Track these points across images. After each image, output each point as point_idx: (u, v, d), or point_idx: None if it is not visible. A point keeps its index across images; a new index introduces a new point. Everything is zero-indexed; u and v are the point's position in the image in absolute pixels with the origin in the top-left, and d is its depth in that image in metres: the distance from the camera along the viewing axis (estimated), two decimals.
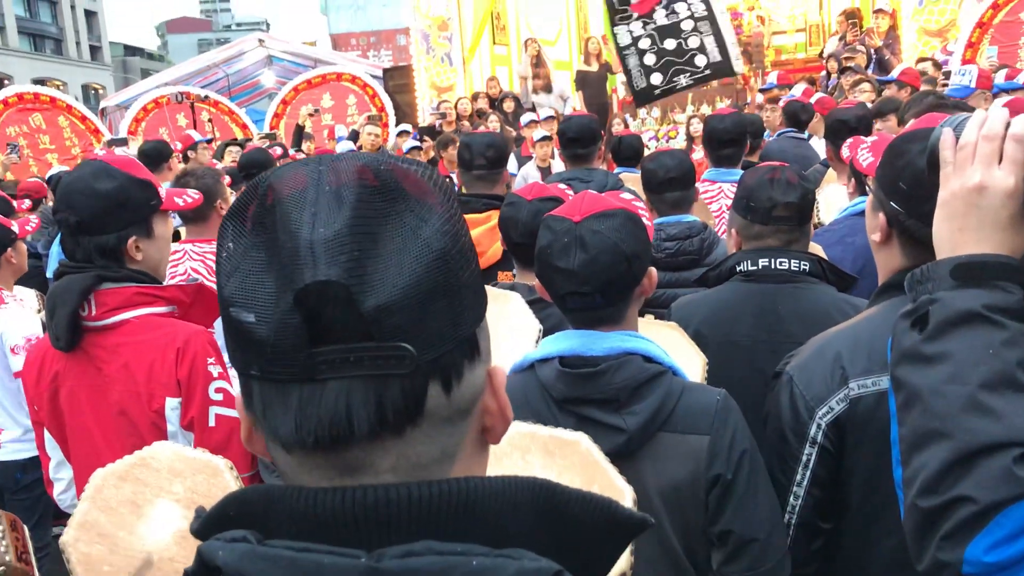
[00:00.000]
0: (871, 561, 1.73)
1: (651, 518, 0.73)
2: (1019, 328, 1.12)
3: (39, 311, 3.43)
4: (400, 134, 10.24)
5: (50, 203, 7.25)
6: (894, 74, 6.96)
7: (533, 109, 11.00)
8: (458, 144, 9.07)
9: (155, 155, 5.95)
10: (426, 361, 0.64)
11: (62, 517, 3.97)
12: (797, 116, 6.37)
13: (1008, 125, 1.17)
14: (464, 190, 3.66)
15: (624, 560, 1.30)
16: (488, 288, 2.55)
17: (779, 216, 2.38)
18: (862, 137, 3.63)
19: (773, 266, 2.36)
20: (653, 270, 1.79)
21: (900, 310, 1.23)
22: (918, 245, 1.63)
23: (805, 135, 6.33)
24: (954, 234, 1.20)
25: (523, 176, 7.78)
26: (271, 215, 0.64)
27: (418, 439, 0.66)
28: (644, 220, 1.97)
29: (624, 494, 1.36)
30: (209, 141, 8.52)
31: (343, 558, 0.60)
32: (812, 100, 6.80)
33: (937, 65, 8.15)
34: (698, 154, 6.89)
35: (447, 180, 0.73)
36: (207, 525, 0.68)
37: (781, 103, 7.02)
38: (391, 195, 0.65)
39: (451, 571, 0.59)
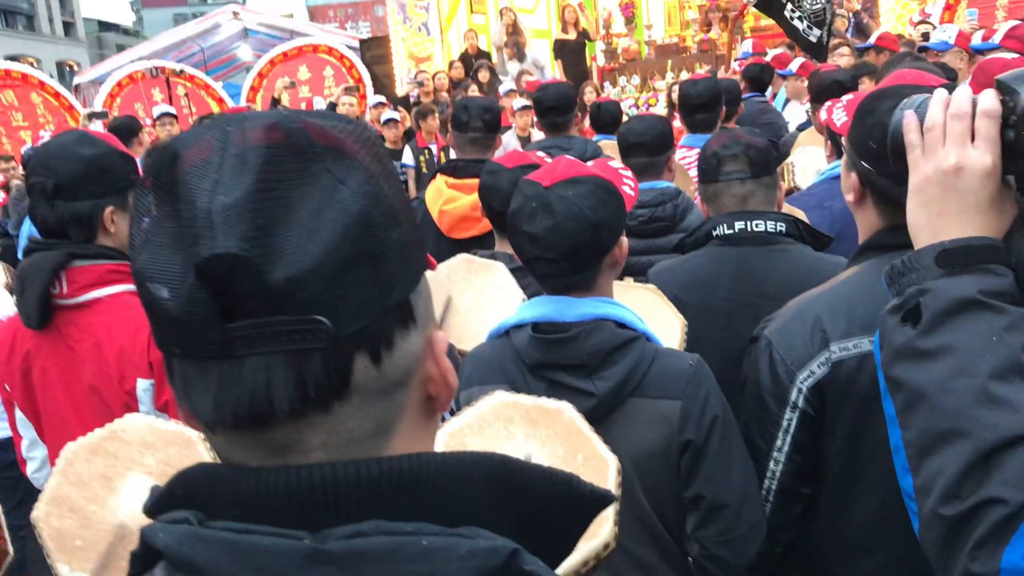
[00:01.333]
0: (848, 525, 1.73)
1: (613, 494, 0.71)
2: (1018, 312, 1.06)
3: (8, 286, 3.38)
4: (376, 105, 10.14)
5: (16, 180, 7.14)
6: (872, 39, 6.97)
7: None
8: (437, 113, 8.97)
9: (125, 130, 5.89)
10: (348, 333, 0.60)
11: None
12: (760, 79, 6.33)
13: (975, 103, 1.12)
14: (456, 154, 3.63)
15: (607, 531, 1.30)
16: (472, 257, 2.54)
17: (728, 170, 2.38)
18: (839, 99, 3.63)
19: (749, 228, 2.35)
20: (624, 239, 1.78)
21: (885, 307, 1.17)
22: (891, 204, 1.62)
23: (767, 95, 6.32)
24: (933, 220, 1.14)
25: (504, 145, 7.72)
26: (174, 184, 0.60)
27: (348, 414, 0.62)
28: (627, 189, 1.96)
29: (608, 463, 1.36)
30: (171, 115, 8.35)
31: (285, 540, 0.58)
32: (794, 65, 6.78)
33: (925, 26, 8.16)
34: (678, 122, 6.88)
35: (376, 137, 0.69)
36: (157, 504, 0.66)
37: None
38: (304, 155, 0.61)
39: (400, 551, 0.57)
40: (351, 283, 0.60)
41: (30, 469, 2.30)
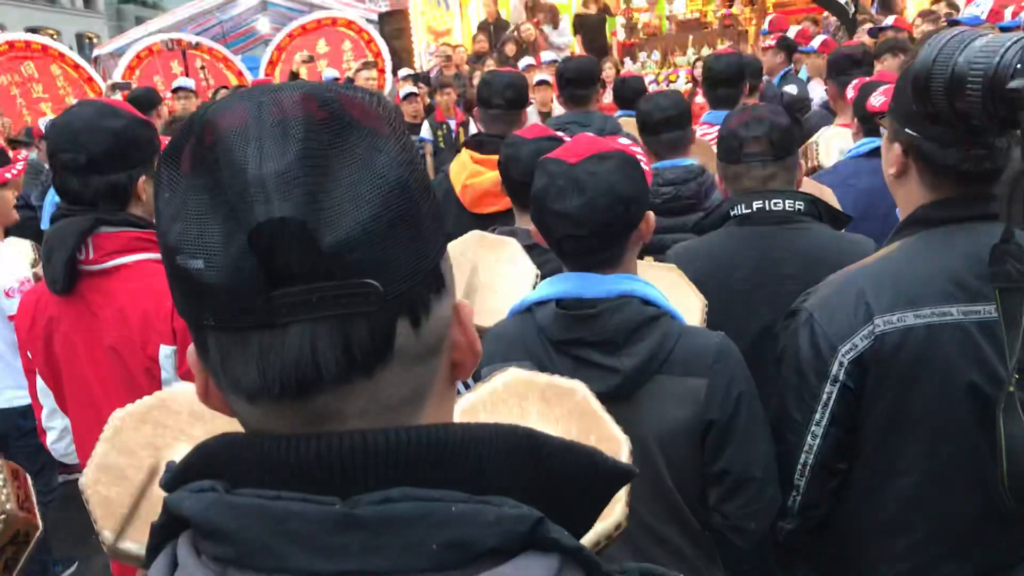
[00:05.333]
0: (884, 502, 1.73)
1: (635, 469, 0.71)
2: None
3: (35, 262, 3.40)
4: (405, 78, 10.10)
5: (35, 153, 7.13)
6: (888, 21, 6.92)
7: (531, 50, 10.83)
8: (455, 88, 8.92)
9: (144, 102, 5.89)
10: (393, 297, 0.61)
11: (65, 466, 4.00)
12: (794, 51, 6.30)
13: None
14: (482, 129, 3.62)
15: (620, 511, 1.30)
16: (485, 234, 2.53)
17: (749, 152, 2.34)
18: (866, 78, 3.58)
19: (768, 207, 2.32)
20: (651, 214, 1.77)
21: None
22: (936, 174, 1.64)
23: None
24: None
25: (530, 128, 7.67)
26: (211, 153, 0.60)
27: (389, 380, 0.63)
28: (642, 164, 1.95)
29: (621, 444, 1.36)
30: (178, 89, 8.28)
31: (317, 505, 0.58)
32: (816, 43, 6.71)
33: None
34: (701, 98, 6.85)
35: (396, 108, 0.69)
36: (175, 478, 0.66)
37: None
38: (339, 125, 0.61)
39: (429, 517, 0.58)
40: (394, 248, 0.61)
41: (50, 440, 2.32)
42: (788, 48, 6.25)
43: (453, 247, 2.50)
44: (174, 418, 1.43)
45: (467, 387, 1.53)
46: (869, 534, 1.76)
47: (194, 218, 0.59)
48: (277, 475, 0.60)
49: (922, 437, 1.68)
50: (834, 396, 1.69)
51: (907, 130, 1.64)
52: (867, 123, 3.15)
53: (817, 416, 1.71)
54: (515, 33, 11.23)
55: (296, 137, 0.59)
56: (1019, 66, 1.32)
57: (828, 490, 1.77)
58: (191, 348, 0.68)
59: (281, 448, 0.60)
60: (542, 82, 7.95)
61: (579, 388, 1.42)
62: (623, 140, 2.19)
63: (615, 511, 1.29)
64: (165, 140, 2.26)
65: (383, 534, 0.58)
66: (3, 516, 1.55)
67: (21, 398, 3.47)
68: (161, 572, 0.64)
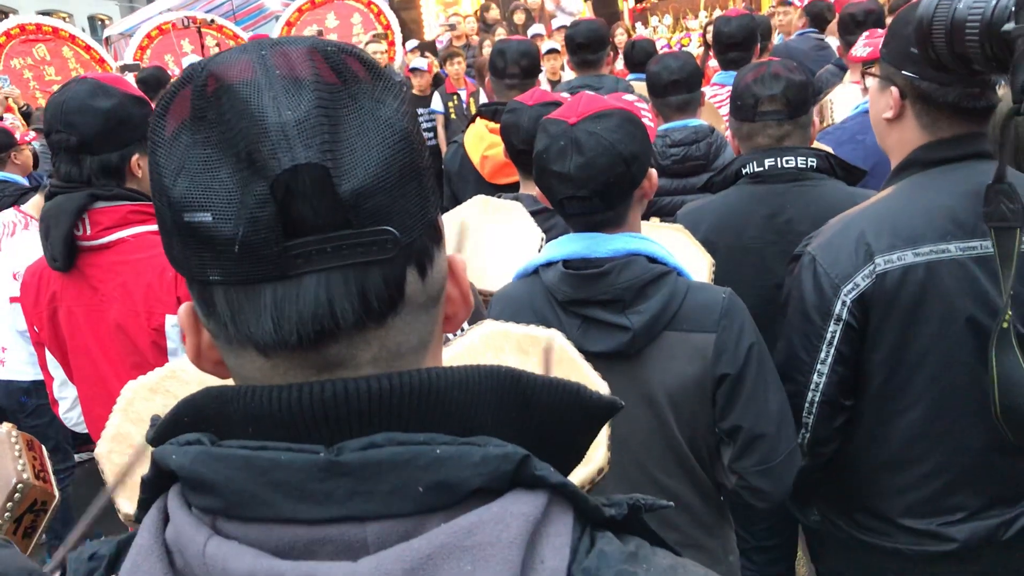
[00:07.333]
0: (890, 436, 1.78)
1: (620, 401, 0.71)
2: None
3: None
4: (413, 49, 10.05)
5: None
6: None
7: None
8: (464, 57, 8.84)
9: (153, 82, 5.91)
10: (405, 245, 0.62)
11: (84, 444, 4.05)
12: (822, 16, 6.14)
13: None
14: (495, 98, 3.58)
15: (602, 456, 1.31)
16: (488, 198, 2.53)
17: (765, 111, 2.33)
18: (878, 30, 3.54)
19: (780, 165, 2.31)
20: (653, 172, 1.76)
21: None
22: (933, 113, 1.69)
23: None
24: None
25: (531, 93, 7.62)
26: (216, 104, 0.59)
27: (399, 328, 0.64)
28: (647, 121, 1.93)
29: (600, 389, 1.37)
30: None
31: (301, 454, 0.58)
32: None
33: None
34: (714, 62, 6.76)
35: (387, 67, 0.69)
36: (161, 433, 0.66)
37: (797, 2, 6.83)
38: (344, 77, 0.62)
39: (414, 460, 0.58)
40: (403, 197, 0.62)
41: (62, 409, 2.35)
42: (815, 15, 6.07)
43: (458, 212, 2.50)
44: (184, 388, 1.45)
45: (461, 330, 1.54)
46: (879, 468, 1.82)
47: (200, 171, 0.59)
48: (262, 426, 0.60)
49: (926, 372, 1.73)
50: (838, 334, 1.75)
51: (904, 72, 1.68)
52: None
53: (822, 355, 1.77)
54: (524, 1, 11.12)
55: (308, 87, 0.60)
56: (1014, 9, 1.37)
57: (836, 427, 1.81)
58: (183, 308, 0.68)
59: (265, 399, 0.60)
60: (552, 51, 7.88)
61: (556, 337, 1.42)
62: (629, 97, 2.16)
63: (596, 455, 1.30)
64: None
65: (368, 479, 0.58)
66: (20, 485, 1.58)
67: (25, 373, 3.45)
68: (152, 525, 0.64)
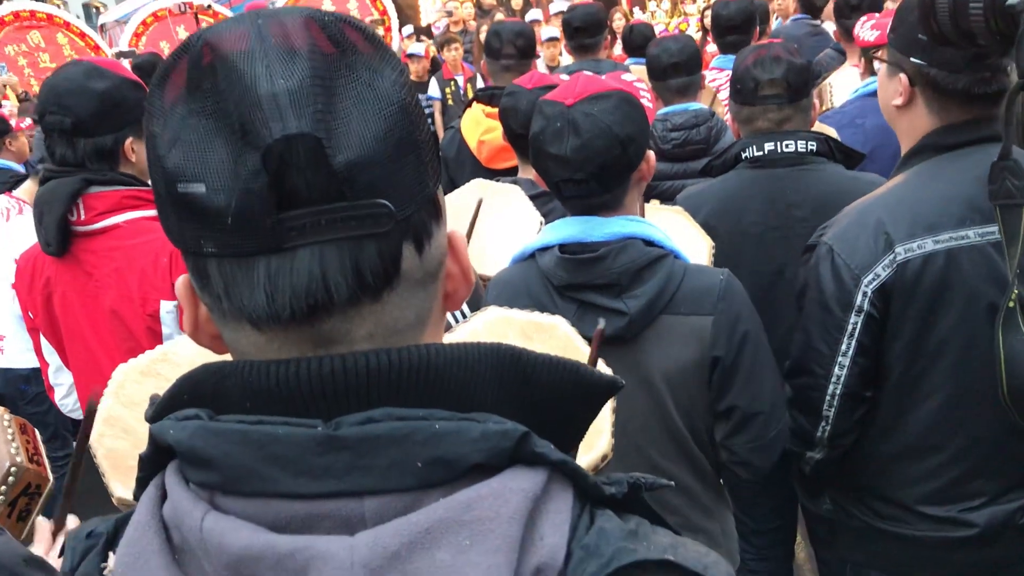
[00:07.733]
0: (909, 425, 1.77)
1: (621, 380, 0.70)
2: None
3: None
4: (409, 36, 10.02)
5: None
6: None
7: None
8: (461, 43, 8.81)
9: (149, 68, 5.83)
10: (401, 219, 0.60)
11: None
12: (813, 2, 6.13)
13: None
14: (491, 82, 3.56)
15: (606, 442, 1.30)
16: (490, 183, 2.51)
17: (765, 95, 2.32)
18: (875, 14, 3.52)
19: (779, 149, 2.30)
20: (651, 154, 1.75)
21: None
22: (944, 99, 1.67)
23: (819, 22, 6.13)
24: None
25: (530, 76, 7.59)
26: (211, 75, 0.59)
27: (395, 303, 0.63)
28: (645, 102, 1.91)
29: None
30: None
31: (299, 428, 0.58)
32: None
33: None
34: (712, 46, 6.74)
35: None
36: (160, 410, 0.65)
37: None
38: (340, 47, 0.61)
39: (413, 435, 0.57)
40: (400, 170, 0.60)
41: (58, 395, 2.34)
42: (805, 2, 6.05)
43: (457, 195, 2.48)
44: (176, 371, 1.43)
45: (463, 316, 1.52)
46: (896, 457, 1.80)
47: (195, 142, 0.58)
48: (260, 401, 0.60)
49: (947, 359, 1.71)
50: (859, 326, 1.72)
51: (912, 59, 1.66)
52: (871, 60, 3.11)
53: (843, 347, 1.73)
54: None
55: (303, 57, 0.59)
56: None
57: (856, 418, 1.79)
58: (180, 280, 0.67)
59: (263, 374, 0.60)
60: (550, 39, 7.84)
61: (560, 324, 1.41)
62: (627, 76, 2.15)
63: (600, 442, 1.30)
64: None
65: (367, 454, 0.57)
66: (14, 468, 1.57)
67: (24, 362, 3.42)
68: (150, 501, 0.64)
